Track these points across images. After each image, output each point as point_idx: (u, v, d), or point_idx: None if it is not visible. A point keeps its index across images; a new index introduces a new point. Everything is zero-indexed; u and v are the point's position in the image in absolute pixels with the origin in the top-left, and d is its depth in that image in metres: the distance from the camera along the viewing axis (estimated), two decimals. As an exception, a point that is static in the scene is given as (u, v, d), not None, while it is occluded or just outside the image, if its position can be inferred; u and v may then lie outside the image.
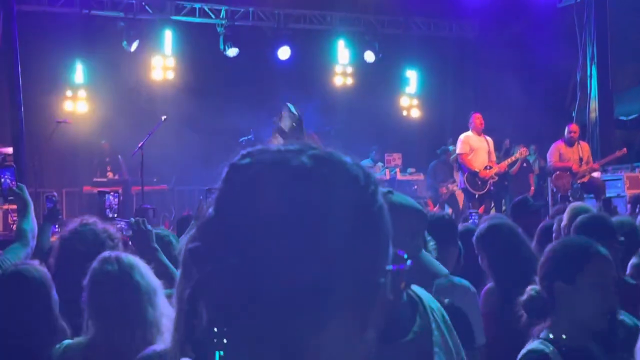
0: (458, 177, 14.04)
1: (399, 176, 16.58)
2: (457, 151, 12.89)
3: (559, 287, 2.97)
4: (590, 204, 11.11)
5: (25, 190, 4.49)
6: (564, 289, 2.96)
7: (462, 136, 12.71)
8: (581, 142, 12.99)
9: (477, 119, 12.62)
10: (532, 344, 2.97)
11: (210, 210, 1.10)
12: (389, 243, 1.13)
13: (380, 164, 16.80)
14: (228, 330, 1.05)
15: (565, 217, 5.21)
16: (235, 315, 1.04)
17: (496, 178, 12.72)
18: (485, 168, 12.44)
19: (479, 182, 12.40)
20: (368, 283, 1.08)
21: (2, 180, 4.64)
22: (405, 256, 1.16)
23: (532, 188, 15.63)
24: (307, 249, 1.03)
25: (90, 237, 3.69)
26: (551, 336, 2.96)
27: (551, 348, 2.90)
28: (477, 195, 12.41)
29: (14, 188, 4.53)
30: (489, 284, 4.44)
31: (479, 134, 12.62)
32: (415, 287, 2.18)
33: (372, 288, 1.08)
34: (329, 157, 1.12)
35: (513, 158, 13.59)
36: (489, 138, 12.74)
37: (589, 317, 2.94)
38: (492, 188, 12.63)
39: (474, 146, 12.54)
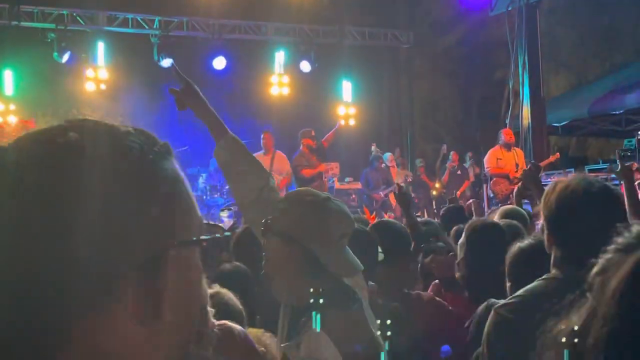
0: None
1: (337, 185, 16.56)
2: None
3: None
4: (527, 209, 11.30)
5: None
6: None
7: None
8: (516, 148, 13.20)
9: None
10: None
11: None
12: (184, 212, 1.01)
13: (318, 172, 16.77)
14: None
15: (497, 217, 5.36)
16: None
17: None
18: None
19: None
20: (150, 254, 0.93)
21: None
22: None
23: (458, 192, 15.71)
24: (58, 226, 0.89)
25: None
26: None
27: None
28: None
29: None
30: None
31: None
32: None
33: (155, 260, 0.93)
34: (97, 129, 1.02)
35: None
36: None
37: None
38: None
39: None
